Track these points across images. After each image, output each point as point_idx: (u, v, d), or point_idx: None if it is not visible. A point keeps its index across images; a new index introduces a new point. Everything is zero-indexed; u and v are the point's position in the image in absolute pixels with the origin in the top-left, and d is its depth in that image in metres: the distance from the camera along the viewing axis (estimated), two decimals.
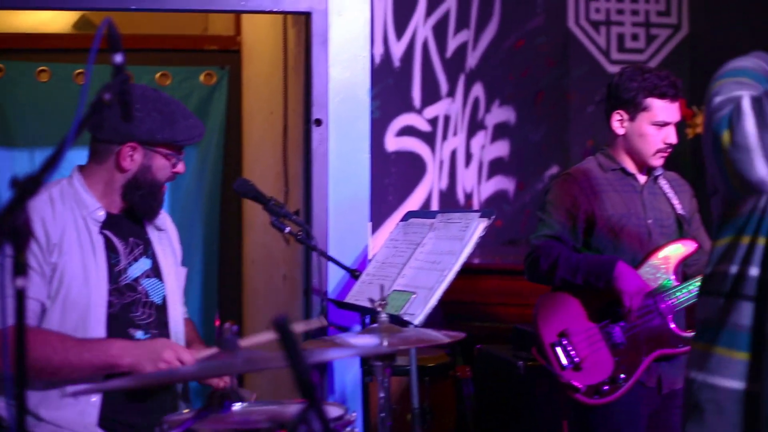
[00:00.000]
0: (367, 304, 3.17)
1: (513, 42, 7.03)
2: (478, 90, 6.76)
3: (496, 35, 6.88)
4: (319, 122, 4.44)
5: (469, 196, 6.70)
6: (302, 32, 4.59)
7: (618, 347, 3.82)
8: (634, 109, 3.86)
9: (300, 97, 4.62)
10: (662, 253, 3.84)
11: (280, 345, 1.81)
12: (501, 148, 6.97)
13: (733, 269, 2.37)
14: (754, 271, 2.33)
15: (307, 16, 4.51)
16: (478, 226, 3.63)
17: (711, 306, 2.41)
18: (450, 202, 6.52)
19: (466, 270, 6.01)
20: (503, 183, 6.98)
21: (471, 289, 5.85)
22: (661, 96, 3.84)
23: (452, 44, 6.53)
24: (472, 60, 6.70)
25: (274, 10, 4.50)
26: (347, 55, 4.53)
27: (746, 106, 2.18)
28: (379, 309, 3.14)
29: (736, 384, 2.35)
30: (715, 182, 2.36)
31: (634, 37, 7.69)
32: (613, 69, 7.49)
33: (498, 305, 5.70)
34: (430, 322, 3.56)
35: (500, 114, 6.95)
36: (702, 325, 2.45)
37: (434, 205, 6.44)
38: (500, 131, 6.95)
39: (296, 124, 4.74)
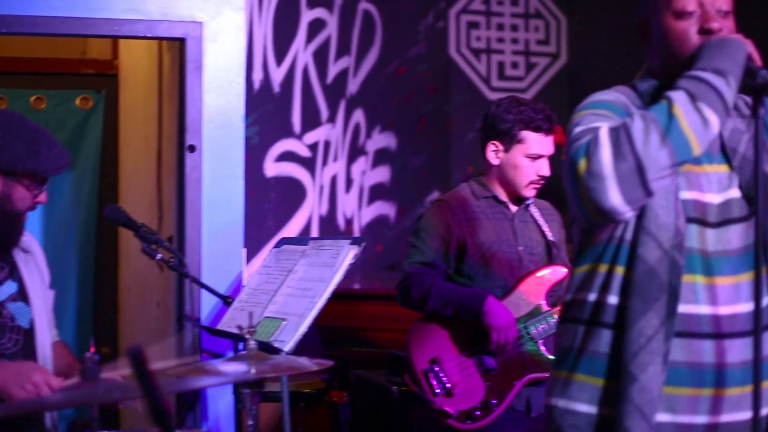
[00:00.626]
0: (237, 331, 3.15)
1: (394, 68, 7.09)
2: (359, 116, 6.80)
3: (378, 62, 6.93)
4: (192, 148, 4.42)
5: (349, 222, 6.72)
6: (176, 58, 4.57)
7: (489, 373, 3.85)
8: (509, 140, 3.91)
9: (174, 122, 4.59)
10: (533, 280, 3.90)
11: (134, 375, 1.80)
12: (382, 174, 7.01)
13: (592, 297, 2.41)
14: (612, 299, 2.37)
15: (181, 42, 4.49)
16: (349, 253, 3.64)
17: (571, 333, 2.45)
18: (330, 227, 6.54)
19: (346, 295, 6.05)
20: (384, 208, 7.02)
21: (350, 314, 5.86)
22: (536, 129, 3.89)
23: (333, 70, 6.56)
24: (353, 86, 6.74)
25: (149, 35, 4.48)
26: (222, 81, 4.52)
27: (603, 135, 2.23)
28: (247, 336, 3.12)
29: (594, 409, 2.40)
30: (573, 210, 2.41)
31: (514, 65, 7.81)
32: (494, 96, 7.59)
33: (376, 330, 5.72)
34: (308, 347, 3.55)
35: (381, 140, 7.00)
36: (562, 353, 2.48)
37: (314, 231, 6.45)
38: (381, 157, 7.00)
39: (170, 150, 4.71)
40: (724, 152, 2.43)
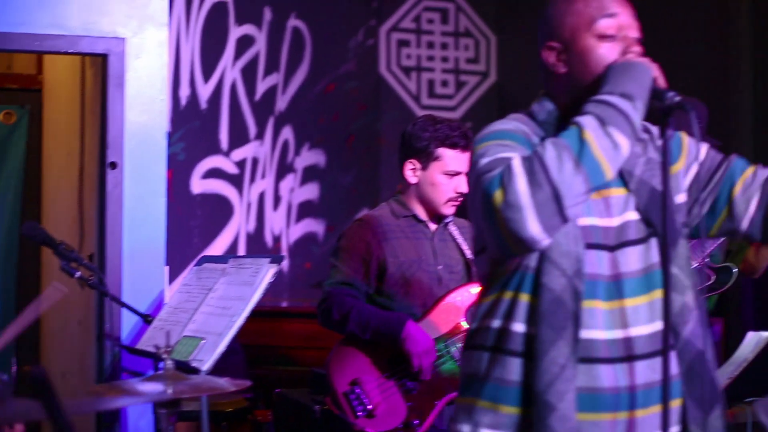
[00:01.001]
0: (155, 351, 3.13)
1: (324, 86, 7.09)
2: (287, 133, 6.79)
3: (307, 79, 6.93)
4: (114, 165, 4.39)
5: (277, 239, 6.71)
6: (99, 74, 4.54)
7: (410, 393, 3.85)
8: (426, 158, 3.92)
9: (96, 139, 4.56)
10: (452, 299, 3.91)
11: (39, 397, 1.79)
12: (310, 191, 7.00)
13: (496, 324, 2.39)
14: (518, 326, 2.36)
15: (103, 58, 4.46)
16: (268, 272, 3.63)
17: (475, 360, 2.43)
18: (258, 244, 6.52)
19: (274, 313, 6.03)
20: (312, 225, 7.00)
21: (278, 332, 5.85)
22: (453, 146, 3.91)
23: (261, 87, 6.55)
24: (281, 103, 6.73)
25: (71, 51, 4.44)
26: (144, 98, 4.49)
27: (517, 165, 2.22)
28: (164, 356, 3.10)
29: None
30: (485, 242, 2.39)
31: (444, 84, 7.85)
32: (424, 114, 7.61)
33: (303, 349, 5.70)
34: (232, 366, 3.54)
35: (310, 157, 6.99)
36: (466, 379, 2.46)
37: (241, 248, 6.43)
38: (310, 174, 6.99)
39: (92, 167, 4.67)
40: (621, 175, 2.43)
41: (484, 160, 2.32)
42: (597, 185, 2.25)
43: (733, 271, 4.37)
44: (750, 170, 2.51)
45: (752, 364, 3.58)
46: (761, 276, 4.90)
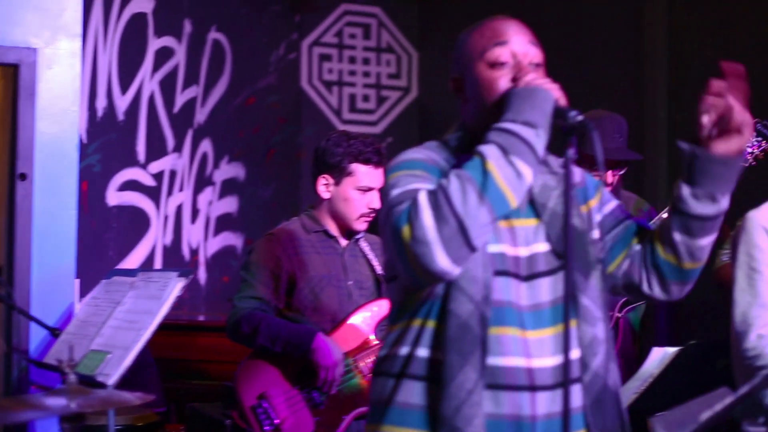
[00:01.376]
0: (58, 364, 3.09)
1: (244, 99, 7.08)
2: (206, 146, 6.77)
3: (227, 92, 6.92)
4: (23, 177, 4.34)
5: (194, 252, 6.68)
6: (10, 84, 4.48)
7: (318, 407, 3.86)
8: (339, 173, 3.94)
9: (5, 150, 4.50)
10: (362, 314, 3.92)
11: None
12: (229, 204, 6.99)
13: (404, 351, 2.41)
14: (423, 352, 2.38)
15: (14, 68, 4.41)
16: (176, 286, 3.62)
17: (381, 386, 2.44)
18: (175, 257, 6.48)
19: (190, 327, 5.99)
20: (231, 239, 6.98)
21: (192, 346, 5.81)
22: (366, 162, 3.93)
23: (180, 99, 6.53)
24: (201, 116, 6.71)
25: None
26: (56, 109, 4.45)
27: (422, 200, 2.24)
28: (66, 370, 3.06)
29: None
30: (397, 271, 2.41)
31: (365, 98, 7.88)
32: (345, 128, 7.63)
33: (217, 362, 5.67)
34: (144, 380, 3.51)
35: (229, 170, 6.97)
36: (373, 406, 2.47)
37: (158, 261, 6.39)
38: (229, 187, 6.97)
39: (1, 178, 4.61)
40: (533, 206, 2.46)
41: (395, 192, 2.34)
42: (502, 215, 2.28)
43: None
44: (635, 241, 2.58)
45: (657, 379, 3.62)
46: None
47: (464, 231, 2.22)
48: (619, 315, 4.39)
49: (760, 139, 4.19)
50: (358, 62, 7.86)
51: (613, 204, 2.61)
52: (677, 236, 2.49)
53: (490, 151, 2.26)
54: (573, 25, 6.88)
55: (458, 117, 2.55)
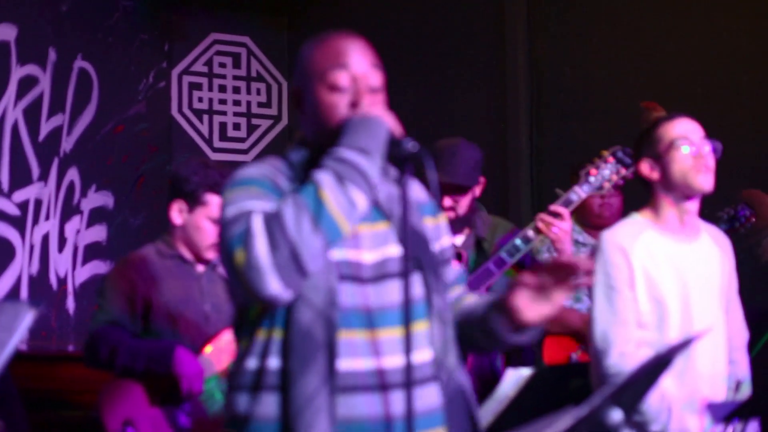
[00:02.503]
0: None
1: (112, 127, 7.03)
2: (73, 174, 6.70)
3: (94, 120, 6.86)
4: None
5: (62, 281, 6.59)
6: None
7: (184, 429, 3.85)
8: (194, 202, 3.95)
9: None
10: (222, 339, 3.93)
11: None
12: (98, 233, 6.91)
13: (253, 364, 2.43)
14: (273, 362, 2.40)
15: None
16: (27, 317, 3.57)
17: (236, 401, 2.45)
18: (42, 287, 6.39)
19: (57, 357, 5.91)
20: (100, 268, 6.90)
21: (60, 377, 5.72)
22: (221, 193, 3.94)
23: (45, 128, 6.45)
24: (67, 144, 6.64)
25: None
26: None
27: (257, 225, 2.27)
28: None
29: None
30: (232, 291, 2.45)
31: (236, 127, 7.89)
32: (216, 156, 7.65)
33: (85, 393, 5.60)
34: (7, 412, 3.45)
35: (97, 199, 6.90)
36: (230, 422, 2.48)
37: (24, 291, 6.29)
38: (97, 216, 6.90)
39: None
40: (380, 211, 2.50)
41: (230, 210, 2.37)
42: (336, 241, 2.32)
43: None
44: (456, 290, 2.67)
45: (514, 402, 3.69)
46: None
47: (297, 258, 2.26)
48: None
49: (619, 166, 4.31)
50: (228, 91, 7.88)
51: (445, 241, 2.67)
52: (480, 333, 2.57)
53: (324, 179, 2.30)
54: (437, 56, 7.01)
55: (299, 130, 2.57)
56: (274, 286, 2.27)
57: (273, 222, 2.27)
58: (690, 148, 3.41)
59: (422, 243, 2.52)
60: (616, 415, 2.19)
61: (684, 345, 2.99)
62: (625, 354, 3.36)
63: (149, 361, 3.80)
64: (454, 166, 4.36)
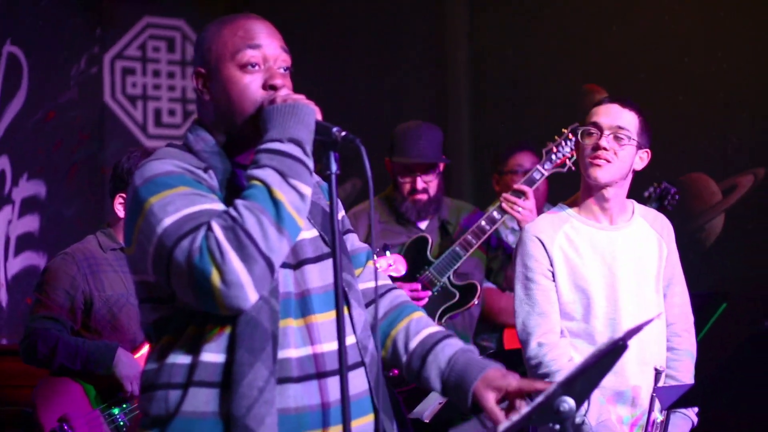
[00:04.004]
0: None
1: (43, 114, 6.86)
2: (4, 163, 6.53)
3: (24, 107, 6.69)
4: None
5: None
6: None
7: (121, 429, 3.77)
8: None
9: None
10: None
11: None
12: (30, 223, 6.76)
13: (185, 359, 2.32)
14: (212, 357, 2.30)
15: None
16: None
17: (161, 400, 2.33)
18: None
19: None
20: (33, 259, 6.75)
21: None
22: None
23: None
24: None
25: None
26: None
27: (223, 240, 2.16)
28: None
29: None
30: (185, 301, 2.30)
31: (171, 113, 7.76)
32: (151, 143, 7.51)
33: (19, 387, 5.48)
34: None
35: (29, 188, 6.74)
36: (150, 421, 2.37)
37: None
38: (29, 206, 6.74)
39: None
40: None
41: (169, 220, 2.23)
42: (296, 238, 2.26)
43: (477, 289, 4.47)
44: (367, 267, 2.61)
45: None
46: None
47: (271, 266, 2.21)
48: (441, 323, 4.44)
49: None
50: (163, 76, 7.74)
51: (352, 236, 2.63)
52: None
53: (270, 177, 2.22)
54: (376, 39, 6.94)
55: (198, 113, 2.47)
56: (253, 297, 2.20)
57: (238, 233, 2.17)
58: (590, 139, 3.39)
59: (334, 238, 2.45)
60: (567, 404, 2.19)
61: (634, 332, 2.96)
62: (544, 344, 3.40)
63: (88, 362, 3.72)
64: (421, 147, 4.44)
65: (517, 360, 3.72)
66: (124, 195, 3.87)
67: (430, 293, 4.38)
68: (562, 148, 4.31)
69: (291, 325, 2.35)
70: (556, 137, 4.36)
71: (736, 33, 5.40)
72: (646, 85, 5.59)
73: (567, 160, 4.30)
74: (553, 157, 4.32)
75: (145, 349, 3.81)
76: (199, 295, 2.20)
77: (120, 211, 3.88)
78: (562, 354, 3.36)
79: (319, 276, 2.41)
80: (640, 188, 4.27)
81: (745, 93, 5.35)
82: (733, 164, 5.35)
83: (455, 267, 4.39)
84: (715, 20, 5.49)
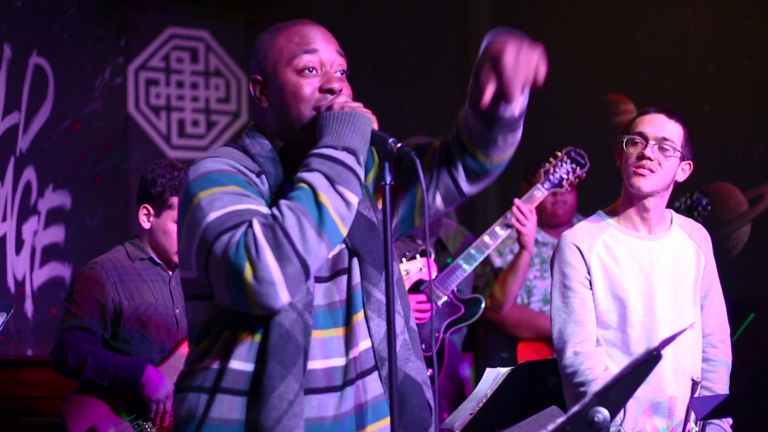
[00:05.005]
0: None
1: (68, 125, 6.89)
2: (30, 174, 6.56)
3: (50, 118, 6.71)
4: None
5: (20, 284, 6.45)
6: None
7: None
8: (160, 205, 3.88)
9: None
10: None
11: None
12: (56, 234, 6.78)
13: (215, 365, 2.35)
14: (241, 365, 2.33)
15: None
16: None
17: (192, 402, 2.36)
18: (0, 290, 6.25)
19: (18, 362, 5.79)
20: (59, 269, 6.78)
21: (20, 382, 5.62)
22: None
23: (1, 127, 6.31)
24: (23, 143, 6.49)
25: None
26: None
27: (261, 237, 2.17)
28: None
29: None
30: (206, 290, 2.31)
31: (195, 123, 7.79)
32: (174, 154, 7.54)
33: (46, 399, 5.49)
34: None
35: (55, 198, 6.77)
36: (182, 423, 2.39)
37: None
38: (55, 216, 6.76)
39: None
40: None
41: (215, 214, 2.25)
42: (336, 245, 2.27)
43: (482, 303, 4.51)
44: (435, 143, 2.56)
45: (491, 400, 3.66)
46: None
47: (306, 268, 2.21)
48: (445, 336, 4.46)
49: (574, 165, 4.40)
50: (186, 87, 7.78)
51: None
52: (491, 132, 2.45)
53: (318, 181, 2.23)
54: (398, 51, 6.95)
55: (254, 119, 2.49)
56: (284, 297, 2.20)
57: (277, 232, 2.19)
58: (635, 148, 3.39)
59: (368, 231, 2.45)
60: (601, 414, 2.18)
61: (668, 341, 2.94)
62: (580, 353, 3.39)
63: (116, 380, 3.73)
64: None
65: (542, 371, 3.72)
66: (147, 206, 3.89)
67: (435, 306, 4.40)
68: (559, 169, 4.42)
69: (319, 336, 2.37)
70: (551, 159, 4.48)
71: (762, 42, 5.39)
72: (672, 94, 5.57)
73: (564, 181, 4.39)
74: (551, 177, 4.44)
75: (173, 358, 3.81)
76: (232, 290, 2.22)
77: (144, 222, 3.90)
78: (598, 363, 3.35)
79: (345, 286, 2.42)
80: (672, 197, 4.26)
81: None
82: (759, 174, 5.34)
83: (459, 280, 4.42)
84: (740, 29, 5.47)
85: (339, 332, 2.40)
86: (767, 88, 5.35)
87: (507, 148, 2.50)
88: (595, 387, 3.32)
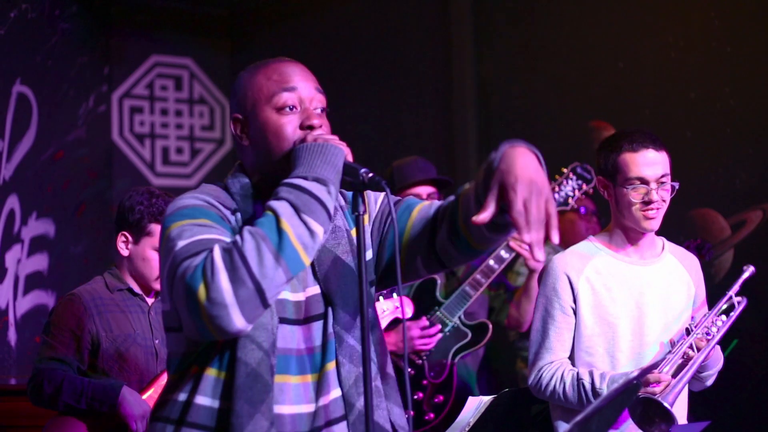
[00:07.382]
0: None
1: (52, 153, 6.88)
2: (13, 202, 6.54)
3: (33, 146, 6.70)
4: None
5: (3, 312, 6.42)
6: None
7: None
8: (139, 232, 3.87)
9: None
10: (164, 379, 3.83)
11: None
12: (39, 262, 6.76)
13: (182, 397, 2.36)
14: (207, 401, 2.34)
15: None
16: None
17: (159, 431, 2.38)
18: None
19: (1, 391, 5.76)
20: (42, 298, 6.75)
21: (4, 412, 5.59)
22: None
23: None
24: (6, 171, 6.48)
25: None
26: None
27: (218, 260, 2.19)
28: None
29: None
30: (180, 321, 2.32)
31: (179, 151, 7.79)
32: (159, 182, 7.53)
33: (28, 428, 5.46)
34: None
35: (38, 227, 6.75)
36: None
37: None
38: (38, 244, 6.74)
39: None
40: None
41: (182, 243, 2.27)
42: (297, 273, 2.26)
43: (489, 328, 4.52)
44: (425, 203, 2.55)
45: (474, 428, 3.65)
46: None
47: (261, 293, 2.20)
48: (453, 362, 4.47)
49: (580, 182, 4.37)
50: (171, 114, 7.78)
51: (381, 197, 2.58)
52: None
53: (282, 208, 2.24)
54: (382, 76, 6.97)
55: (237, 157, 2.51)
56: (238, 321, 2.19)
57: (234, 256, 2.19)
58: (641, 193, 3.38)
59: (345, 277, 2.45)
60: None
61: (648, 370, 2.95)
62: (543, 369, 3.45)
63: (93, 401, 3.70)
64: (425, 169, 4.60)
65: (525, 399, 3.73)
66: (126, 233, 3.89)
67: (439, 332, 4.41)
68: (564, 187, 4.37)
69: (290, 381, 2.37)
70: (557, 176, 4.42)
71: (742, 69, 5.42)
72: (653, 121, 5.60)
73: (570, 199, 4.36)
74: (557, 196, 4.37)
75: (152, 390, 3.80)
76: (190, 313, 2.22)
77: (123, 249, 3.89)
78: (556, 369, 3.41)
79: (319, 332, 2.42)
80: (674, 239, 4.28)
81: (753, 128, 5.36)
82: (741, 199, 5.36)
83: (465, 306, 4.43)
84: (721, 56, 5.51)
85: (309, 379, 2.40)
86: (748, 114, 5.38)
87: (496, 242, 2.48)
88: (559, 373, 3.40)
